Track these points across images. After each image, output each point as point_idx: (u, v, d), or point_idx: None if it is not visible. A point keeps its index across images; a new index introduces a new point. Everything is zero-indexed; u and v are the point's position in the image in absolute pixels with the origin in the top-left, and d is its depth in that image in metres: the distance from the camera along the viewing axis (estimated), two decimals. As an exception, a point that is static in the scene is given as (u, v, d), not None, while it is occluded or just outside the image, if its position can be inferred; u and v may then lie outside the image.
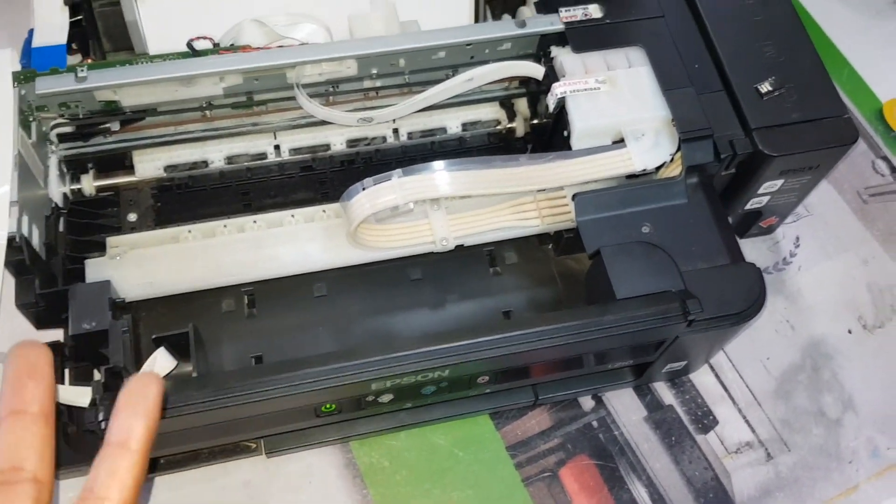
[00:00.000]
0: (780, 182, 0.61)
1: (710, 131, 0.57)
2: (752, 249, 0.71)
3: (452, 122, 0.67)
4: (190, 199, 0.64)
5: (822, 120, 0.59)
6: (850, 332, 0.69)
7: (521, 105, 0.68)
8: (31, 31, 0.61)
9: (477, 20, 0.69)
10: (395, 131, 0.66)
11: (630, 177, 0.58)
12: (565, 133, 0.59)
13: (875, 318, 0.70)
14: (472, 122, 0.67)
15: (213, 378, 0.49)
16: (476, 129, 0.68)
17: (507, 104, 0.68)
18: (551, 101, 0.59)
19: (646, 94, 0.59)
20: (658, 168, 0.58)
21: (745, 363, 0.67)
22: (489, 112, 0.68)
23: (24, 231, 0.52)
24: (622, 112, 0.58)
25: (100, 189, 0.62)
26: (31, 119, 0.57)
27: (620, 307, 0.51)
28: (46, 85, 0.55)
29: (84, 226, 0.61)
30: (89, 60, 0.59)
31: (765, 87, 0.59)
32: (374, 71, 0.62)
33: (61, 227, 0.58)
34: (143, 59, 0.57)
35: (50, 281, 0.55)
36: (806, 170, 0.60)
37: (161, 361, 0.49)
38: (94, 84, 0.55)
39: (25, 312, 0.53)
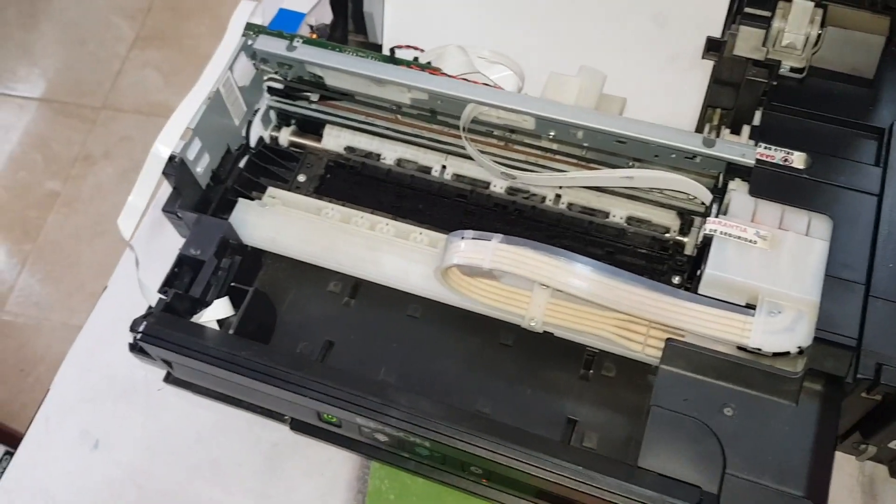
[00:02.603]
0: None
1: (855, 343, 0.48)
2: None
3: (618, 211, 0.63)
4: (354, 181, 0.68)
5: None
6: None
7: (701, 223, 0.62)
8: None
9: (698, 126, 0.64)
10: (558, 196, 0.64)
11: (741, 346, 0.51)
12: (699, 272, 0.53)
13: None
14: (639, 220, 0.63)
15: (225, 340, 0.53)
16: (641, 227, 0.63)
17: (685, 215, 0.62)
18: (700, 233, 0.54)
19: (804, 270, 0.50)
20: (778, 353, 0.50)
21: None
22: (661, 215, 0.63)
23: (191, 155, 0.60)
24: (766, 279, 0.51)
25: (291, 144, 0.69)
26: (255, 66, 0.65)
27: (631, 474, 0.46)
28: (264, 44, 0.62)
29: (262, 169, 0.68)
30: (314, 36, 0.66)
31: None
32: (552, 133, 0.60)
33: (242, 164, 0.66)
34: (350, 51, 0.62)
35: (204, 203, 0.63)
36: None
37: (217, 308, 0.55)
38: (299, 56, 0.62)
39: (169, 218, 0.62)
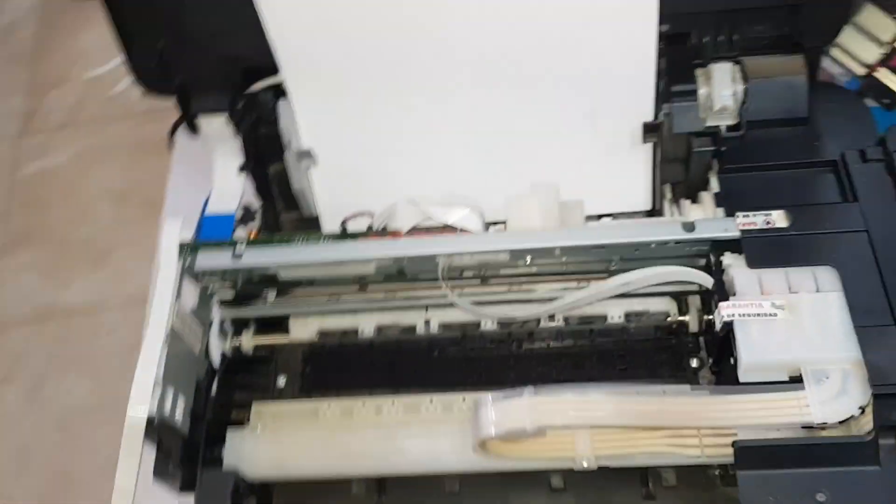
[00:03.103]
0: None
1: (905, 411, 0.47)
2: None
3: (614, 311, 0.62)
4: (339, 365, 0.64)
5: None
6: None
7: (695, 298, 0.61)
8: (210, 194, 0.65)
9: (654, 204, 0.63)
10: (551, 315, 0.62)
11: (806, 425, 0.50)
12: (732, 361, 0.52)
13: None
14: (637, 313, 0.62)
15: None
16: (641, 320, 0.62)
17: (679, 297, 0.61)
18: (717, 321, 0.52)
19: (833, 328, 0.50)
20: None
21: None
22: (657, 303, 0.62)
23: (167, 408, 0.54)
24: (801, 348, 0.50)
25: (257, 348, 0.65)
26: (198, 282, 0.60)
27: None
28: (207, 261, 0.58)
29: (238, 385, 0.63)
30: (254, 234, 0.62)
31: None
32: (528, 258, 0.58)
33: (214, 390, 0.61)
34: (300, 239, 0.58)
35: (192, 449, 0.57)
36: None
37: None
38: (248, 263, 0.57)
39: (163, 482, 0.56)
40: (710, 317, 0.59)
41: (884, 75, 0.72)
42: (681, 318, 0.61)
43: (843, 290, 0.51)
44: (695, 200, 0.61)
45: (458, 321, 0.63)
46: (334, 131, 0.62)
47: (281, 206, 0.68)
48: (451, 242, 0.57)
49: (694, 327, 0.61)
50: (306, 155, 0.62)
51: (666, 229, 0.55)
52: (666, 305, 0.62)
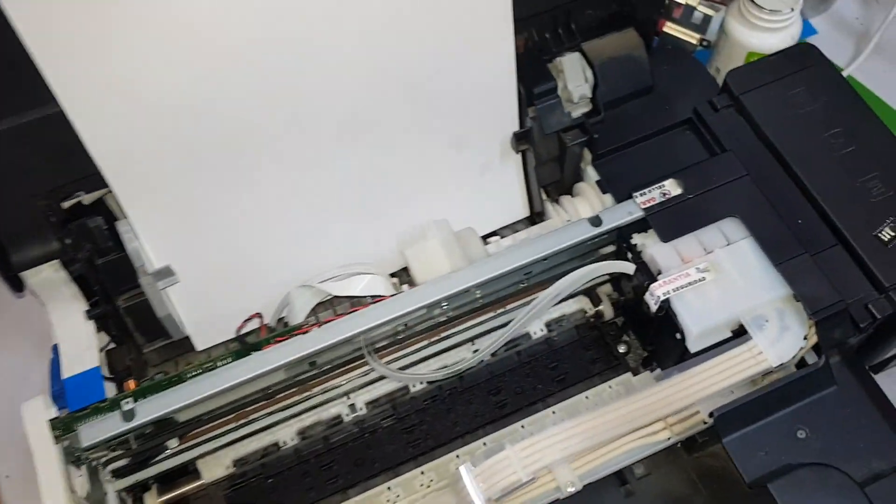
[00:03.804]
0: (926, 329, 0.53)
1: (844, 303, 0.50)
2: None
3: (535, 326, 0.60)
4: (271, 488, 0.56)
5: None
6: None
7: (604, 287, 0.61)
8: (55, 348, 0.54)
9: (532, 207, 0.62)
10: (475, 352, 0.59)
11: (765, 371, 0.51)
12: (677, 336, 0.51)
13: None
14: (557, 320, 0.60)
15: None
16: (562, 325, 0.60)
17: (589, 292, 0.61)
18: (652, 303, 0.52)
19: (756, 273, 0.52)
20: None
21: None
22: (572, 305, 0.61)
23: None
24: (737, 301, 0.51)
25: (167, 504, 0.55)
26: (81, 460, 0.50)
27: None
28: (92, 434, 0.48)
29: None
30: (132, 385, 0.52)
31: (886, 234, 0.52)
32: (444, 304, 0.55)
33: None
34: (195, 370, 0.50)
35: None
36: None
37: None
38: (144, 419, 0.48)
39: None
40: (623, 297, 0.59)
41: (671, 28, 0.76)
42: (597, 309, 0.61)
43: (751, 234, 0.53)
44: (571, 195, 0.61)
45: (384, 393, 0.58)
46: (189, 239, 0.54)
47: (142, 340, 0.58)
48: (369, 316, 0.51)
49: (609, 314, 0.61)
50: (165, 273, 0.53)
51: (575, 231, 0.53)
52: (580, 304, 0.61)
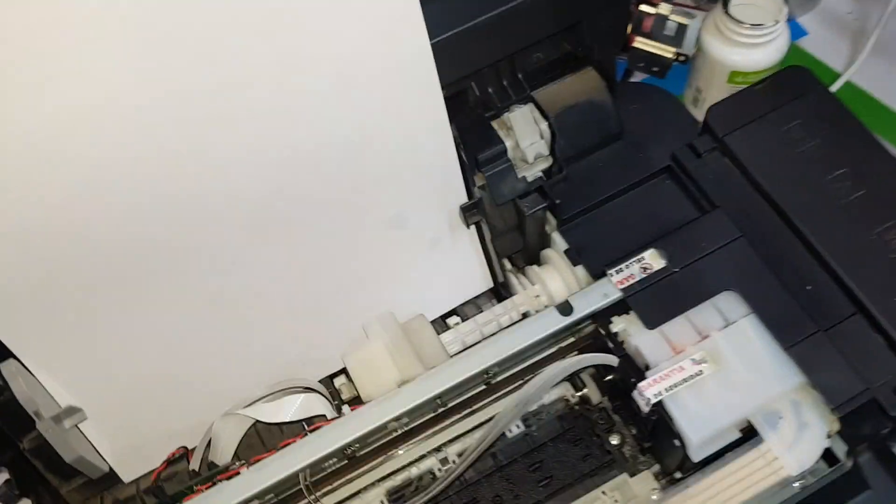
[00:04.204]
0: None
1: (871, 392, 0.41)
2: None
3: (511, 423, 0.52)
4: None
5: None
6: None
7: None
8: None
9: (494, 278, 0.54)
10: (444, 460, 0.50)
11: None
12: (676, 443, 0.43)
13: None
14: (535, 413, 0.52)
15: None
16: (542, 418, 0.52)
17: (572, 377, 0.52)
18: (642, 404, 0.44)
19: (763, 359, 0.43)
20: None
21: None
22: (551, 393, 0.52)
23: None
24: (743, 397, 0.43)
25: None
26: None
27: None
28: None
29: None
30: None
31: (914, 298, 0.43)
32: (405, 420, 0.46)
33: None
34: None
35: None
36: None
37: None
38: None
39: None
40: (609, 378, 0.51)
41: (642, 43, 0.68)
42: (581, 393, 0.52)
43: (752, 309, 0.44)
44: (537, 263, 0.53)
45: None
46: (95, 369, 0.47)
47: (57, 481, 0.50)
48: (305, 450, 0.43)
49: (597, 398, 0.52)
50: (71, 412, 0.45)
51: (542, 324, 0.45)
52: (561, 391, 0.52)
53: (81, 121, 0.37)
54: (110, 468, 0.51)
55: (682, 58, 0.68)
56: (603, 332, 0.46)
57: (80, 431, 0.49)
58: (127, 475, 0.51)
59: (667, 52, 0.67)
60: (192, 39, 0.37)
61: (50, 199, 0.39)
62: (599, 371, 0.52)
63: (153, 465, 0.51)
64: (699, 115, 0.52)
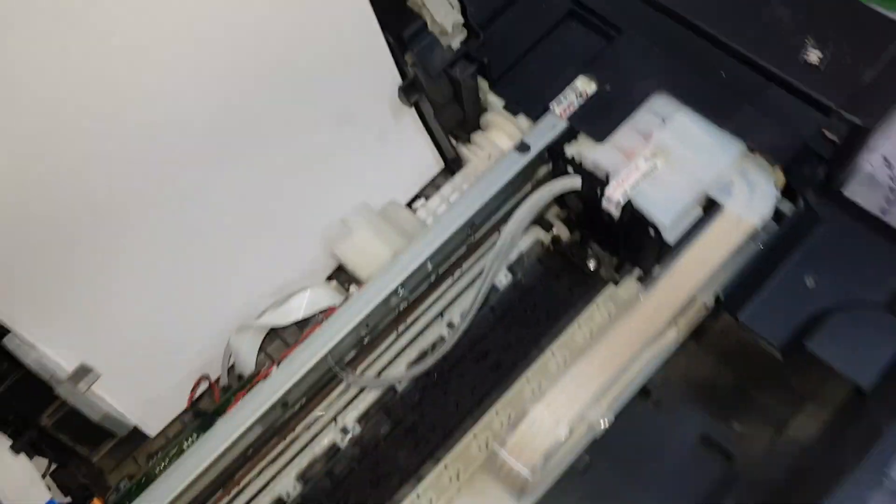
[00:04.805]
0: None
1: (801, 139, 0.47)
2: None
3: (499, 277, 0.55)
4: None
5: (889, 46, 0.49)
6: None
7: (552, 210, 0.57)
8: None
9: (444, 157, 0.57)
10: (450, 324, 0.54)
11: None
12: (652, 232, 0.48)
13: None
14: (517, 262, 0.56)
15: None
16: (524, 264, 0.56)
17: (538, 222, 0.57)
18: (613, 208, 0.48)
19: (706, 141, 0.48)
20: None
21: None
22: (525, 240, 0.56)
23: None
24: (697, 176, 0.48)
25: None
26: None
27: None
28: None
29: None
30: (99, 503, 0.45)
31: (812, 56, 0.49)
32: (400, 290, 0.49)
33: None
34: (159, 465, 0.44)
35: None
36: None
37: None
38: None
39: None
40: (575, 213, 0.55)
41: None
42: (552, 234, 0.57)
43: (684, 105, 0.49)
44: (483, 129, 0.56)
45: (371, 403, 0.52)
46: (94, 326, 0.47)
47: (86, 451, 0.51)
48: (328, 332, 0.45)
49: (566, 234, 0.57)
50: (83, 372, 0.46)
51: (506, 165, 0.49)
52: (534, 236, 0.57)
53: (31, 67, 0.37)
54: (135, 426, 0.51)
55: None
56: (560, 160, 0.50)
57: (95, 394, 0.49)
58: (153, 428, 0.52)
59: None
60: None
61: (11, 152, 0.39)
62: (564, 209, 0.56)
63: (176, 411, 0.52)
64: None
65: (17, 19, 0.35)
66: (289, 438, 0.50)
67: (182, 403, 0.51)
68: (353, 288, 0.49)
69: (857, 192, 0.62)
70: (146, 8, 0.39)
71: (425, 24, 0.51)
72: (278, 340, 0.52)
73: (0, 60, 0.36)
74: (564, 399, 0.44)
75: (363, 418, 0.52)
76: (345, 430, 0.52)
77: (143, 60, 0.40)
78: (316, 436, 0.51)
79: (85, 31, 0.38)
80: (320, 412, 0.51)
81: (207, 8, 0.42)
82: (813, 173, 0.48)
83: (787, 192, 0.48)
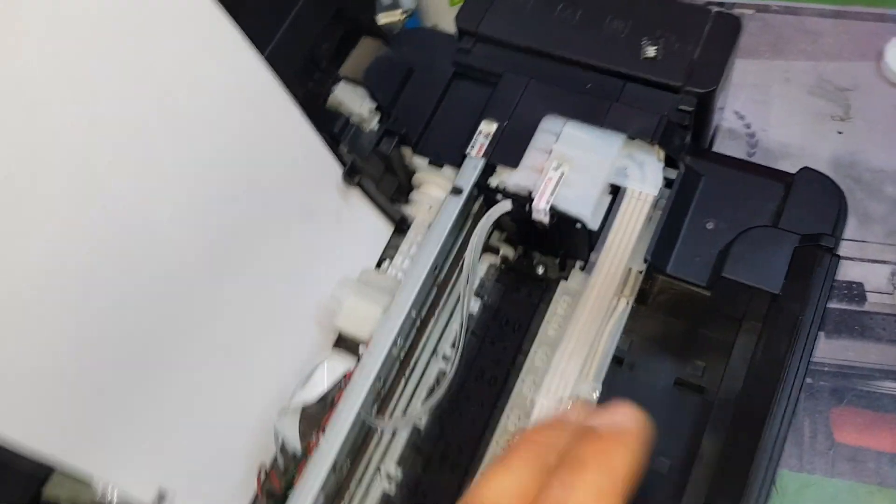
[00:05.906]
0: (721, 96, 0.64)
1: (665, 118, 0.59)
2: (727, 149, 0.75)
3: (473, 305, 0.65)
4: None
5: (704, 26, 0.61)
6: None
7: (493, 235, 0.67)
8: None
9: (391, 218, 0.67)
10: (445, 357, 0.63)
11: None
12: (578, 226, 0.58)
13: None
14: (480, 287, 0.66)
15: None
16: (486, 288, 0.66)
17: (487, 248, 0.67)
18: (542, 216, 0.58)
19: (594, 141, 0.59)
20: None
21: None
22: (481, 268, 0.66)
23: None
24: (597, 170, 0.58)
25: None
26: None
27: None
28: None
29: None
30: None
31: (650, 52, 0.61)
32: (398, 341, 0.58)
33: None
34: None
35: None
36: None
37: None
38: None
39: None
40: (511, 233, 0.65)
41: (381, 20, 0.83)
42: (501, 255, 0.67)
43: (569, 119, 0.60)
44: (417, 187, 0.66)
45: (403, 446, 0.60)
46: (156, 452, 0.53)
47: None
48: (356, 390, 0.54)
49: (511, 253, 0.67)
50: (160, 499, 0.52)
51: (449, 209, 0.59)
52: (487, 262, 0.67)
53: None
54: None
55: (407, 13, 0.83)
56: (488, 193, 0.61)
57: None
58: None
59: (396, 18, 0.82)
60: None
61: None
62: (503, 231, 0.66)
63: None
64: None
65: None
66: (346, 497, 0.57)
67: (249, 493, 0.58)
68: (361, 348, 0.57)
69: (725, 146, 0.75)
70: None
71: (347, 118, 0.61)
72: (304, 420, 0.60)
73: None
74: (558, 381, 0.53)
75: (401, 461, 0.60)
76: (389, 477, 0.60)
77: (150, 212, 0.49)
78: (368, 488, 0.59)
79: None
80: (363, 466, 0.58)
81: (186, 156, 0.50)
82: (682, 142, 0.59)
83: (669, 162, 0.59)
